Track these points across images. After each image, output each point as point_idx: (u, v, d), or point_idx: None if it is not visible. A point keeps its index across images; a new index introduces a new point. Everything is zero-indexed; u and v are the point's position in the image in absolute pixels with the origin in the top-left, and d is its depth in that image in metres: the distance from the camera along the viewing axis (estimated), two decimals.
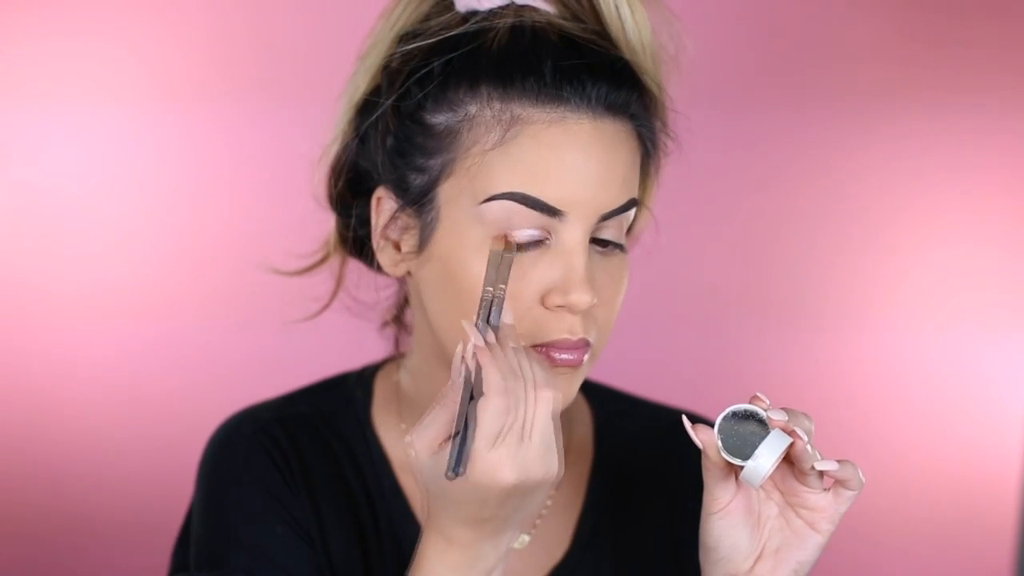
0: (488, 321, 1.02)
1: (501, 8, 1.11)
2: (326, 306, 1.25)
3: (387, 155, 1.13)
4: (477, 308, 1.03)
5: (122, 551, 1.91)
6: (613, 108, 1.08)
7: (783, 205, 1.97)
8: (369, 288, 1.23)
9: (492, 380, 0.98)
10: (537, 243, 1.07)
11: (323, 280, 1.24)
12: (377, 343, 1.27)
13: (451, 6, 1.13)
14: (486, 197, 1.07)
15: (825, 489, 1.02)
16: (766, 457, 0.98)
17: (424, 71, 1.10)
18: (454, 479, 0.97)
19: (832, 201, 1.96)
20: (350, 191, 1.18)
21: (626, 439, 1.26)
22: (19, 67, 1.85)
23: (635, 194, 1.10)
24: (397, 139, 1.12)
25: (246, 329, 1.90)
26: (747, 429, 1.00)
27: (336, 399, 1.23)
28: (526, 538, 1.21)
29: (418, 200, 1.11)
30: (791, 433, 0.99)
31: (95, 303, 1.89)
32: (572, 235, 1.07)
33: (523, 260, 1.07)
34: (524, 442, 0.98)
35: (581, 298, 1.06)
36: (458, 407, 0.99)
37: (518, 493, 0.99)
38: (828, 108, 1.94)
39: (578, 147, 1.07)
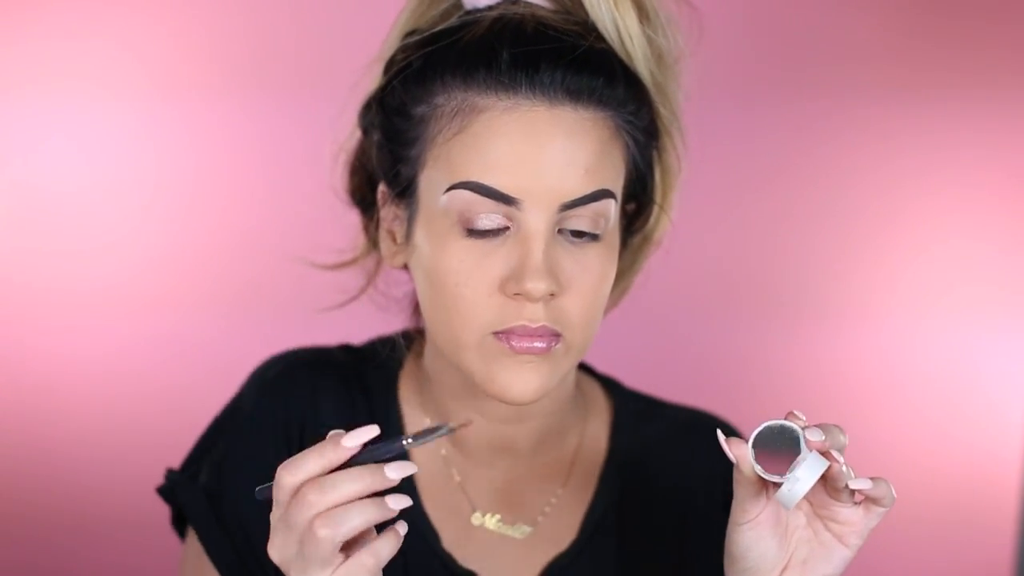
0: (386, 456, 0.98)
1: (496, 4, 1.12)
2: (355, 297, 1.26)
3: (378, 148, 1.16)
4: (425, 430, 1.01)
5: (123, 551, 1.91)
6: (574, 94, 1.08)
7: (783, 202, 1.96)
8: (397, 282, 1.25)
9: (286, 480, 0.96)
10: (500, 231, 1.08)
11: (349, 276, 1.26)
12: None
13: (460, 5, 1.15)
14: (447, 187, 1.08)
15: (856, 503, 1.00)
16: (803, 481, 0.96)
17: (404, 64, 1.12)
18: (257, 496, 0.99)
19: (832, 198, 1.96)
20: (369, 187, 1.21)
21: (642, 439, 1.27)
22: (17, 61, 1.85)
23: (608, 185, 1.09)
24: (384, 131, 1.14)
25: (255, 327, 1.90)
26: (782, 445, 0.97)
27: (373, 358, 1.25)
28: (527, 528, 1.22)
29: (404, 190, 1.13)
30: (827, 455, 0.97)
31: (99, 299, 1.89)
32: (530, 223, 1.07)
33: (484, 247, 1.07)
34: (294, 542, 0.96)
35: (536, 286, 1.06)
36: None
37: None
38: (830, 104, 1.93)
39: (532, 134, 1.07)
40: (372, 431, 0.97)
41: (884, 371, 1.99)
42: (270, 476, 0.99)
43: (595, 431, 1.27)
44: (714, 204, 1.93)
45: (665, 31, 1.14)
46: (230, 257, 1.90)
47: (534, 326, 1.07)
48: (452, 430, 1.02)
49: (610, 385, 1.31)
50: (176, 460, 1.28)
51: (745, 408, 1.80)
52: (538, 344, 1.08)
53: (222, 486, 1.20)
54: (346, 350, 1.28)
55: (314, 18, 1.89)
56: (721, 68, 1.87)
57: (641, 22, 1.12)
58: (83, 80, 1.87)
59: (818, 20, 1.92)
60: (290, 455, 1.07)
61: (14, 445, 1.90)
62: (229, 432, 1.23)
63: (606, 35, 1.12)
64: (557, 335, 1.09)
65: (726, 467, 1.24)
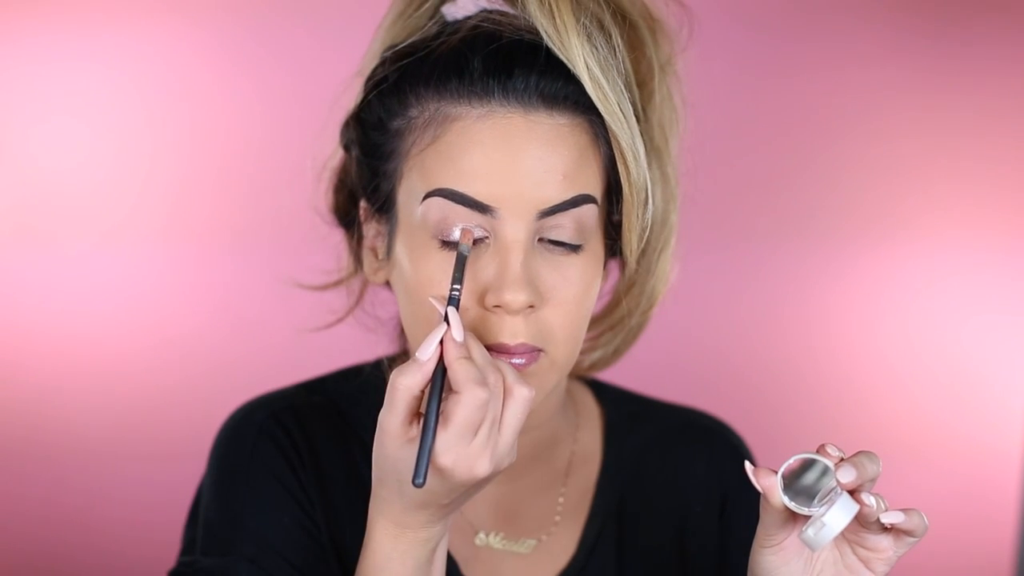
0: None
1: (475, 14, 1.11)
2: (340, 319, 1.24)
3: (358, 164, 1.14)
4: (444, 307, 1.01)
5: (124, 552, 1.90)
6: (549, 100, 1.06)
7: (783, 204, 1.96)
8: (384, 304, 1.23)
9: (469, 373, 0.97)
10: (478, 241, 1.05)
11: (336, 297, 1.24)
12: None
13: (437, 16, 1.13)
14: (422, 196, 1.06)
15: (886, 529, 0.99)
16: (830, 527, 0.94)
17: (380, 79, 1.11)
18: (419, 487, 0.96)
19: (829, 193, 1.95)
20: (352, 204, 1.19)
21: (637, 443, 1.26)
22: (18, 53, 1.84)
23: (589, 190, 1.07)
24: (362, 146, 1.13)
25: (254, 334, 1.90)
26: (812, 479, 0.96)
27: (351, 389, 1.22)
28: (532, 542, 1.21)
29: (383, 205, 1.12)
30: (857, 497, 0.96)
31: (99, 304, 1.89)
32: (508, 233, 1.05)
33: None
34: (497, 435, 0.98)
35: (515, 297, 1.03)
36: (427, 399, 0.98)
37: (484, 483, 0.99)
38: (829, 106, 1.94)
39: (507, 141, 1.05)
40: (454, 316, 0.99)
41: (884, 370, 1.98)
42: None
43: (587, 439, 1.25)
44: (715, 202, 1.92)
45: (615, 41, 1.08)
46: (218, 276, 1.90)
47: (513, 343, 1.05)
48: (467, 238, 1.04)
49: (597, 388, 1.29)
50: (170, 463, 1.26)
51: (748, 406, 1.80)
52: (516, 361, 1.06)
53: (264, 543, 1.14)
54: (318, 386, 1.24)
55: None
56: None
57: (579, 27, 1.06)
58: (87, 76, 1.86)
59: (818, 15, 1.91)
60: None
61: (13, 446, 1.89)
62: (242, 487, 1.17)
63: (547, 41, 1.06)
64: (538, 351, 1.07)
65: (720, 471, 1.24)
